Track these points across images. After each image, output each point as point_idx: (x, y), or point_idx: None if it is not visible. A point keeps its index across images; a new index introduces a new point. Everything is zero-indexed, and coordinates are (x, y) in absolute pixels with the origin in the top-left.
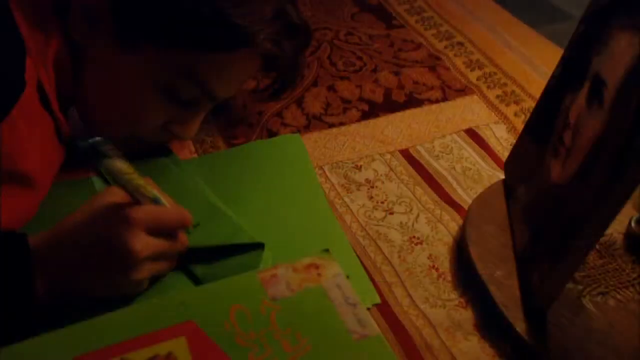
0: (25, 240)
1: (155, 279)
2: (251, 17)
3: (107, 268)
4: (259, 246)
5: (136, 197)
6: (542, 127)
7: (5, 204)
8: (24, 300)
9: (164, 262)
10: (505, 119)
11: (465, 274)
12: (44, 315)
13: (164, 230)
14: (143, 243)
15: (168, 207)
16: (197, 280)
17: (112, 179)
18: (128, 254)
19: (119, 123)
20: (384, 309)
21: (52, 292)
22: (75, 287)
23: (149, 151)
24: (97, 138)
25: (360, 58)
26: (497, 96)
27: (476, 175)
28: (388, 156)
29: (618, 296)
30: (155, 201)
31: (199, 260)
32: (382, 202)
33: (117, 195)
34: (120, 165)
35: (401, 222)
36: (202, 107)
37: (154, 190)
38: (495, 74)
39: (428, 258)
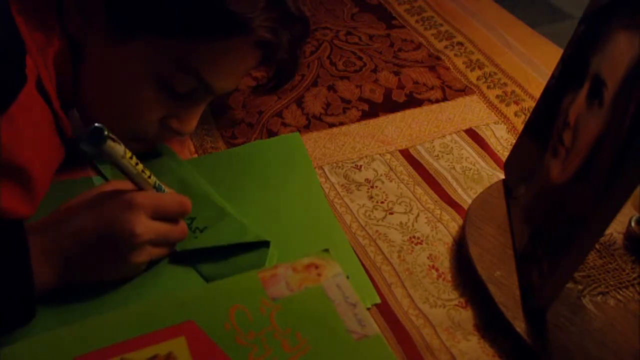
0: (21, 228)
1: (152, 263)
2: (245, 4)
3: (108, 251)
4: (265, 244)
5: (138, 183)
6: (542, 127)
7: (2, 203)
8: (23, 288)
9: (162, 247)
10: (505, 119)
11: (465, 274)
12: (45, 314)
13: (165, 216)
14: (145, 226)
15: (169, 194)
16: (202, 280)
17: (113, 163)
18: (130, 237)
19: (118, 119)
20: (384, 309)
21: (52, 277)
22: (75, 271)
23: (150, 152)
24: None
25: (360, 58)
26: (497, 96)
27: (476, 175)
28: (388, 156)
29: (618, 296)
30: (157, 188)
31: (205, 259)
32: (382, 202)
33: (119, 184)
34: (122, 150)
35: (401, 222)
36: (200, 101)
37: (155, 178)
38: (495, 74)
39: (428, 258)
